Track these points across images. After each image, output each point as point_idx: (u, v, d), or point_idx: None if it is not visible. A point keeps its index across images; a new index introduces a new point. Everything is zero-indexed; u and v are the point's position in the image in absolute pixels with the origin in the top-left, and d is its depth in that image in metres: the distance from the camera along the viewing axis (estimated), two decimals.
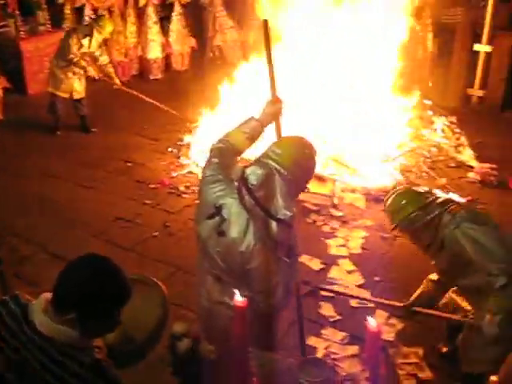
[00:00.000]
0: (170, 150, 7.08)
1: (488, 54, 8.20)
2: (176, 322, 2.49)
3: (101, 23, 7.41)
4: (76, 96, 7.45)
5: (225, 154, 2.82)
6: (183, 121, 7.58)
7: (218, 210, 2.64)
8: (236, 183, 2.66)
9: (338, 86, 6.60)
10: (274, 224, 2.57)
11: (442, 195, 3.59)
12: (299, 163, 2.66)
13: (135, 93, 7.66)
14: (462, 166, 6.61)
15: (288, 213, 2.57)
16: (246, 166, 2.68)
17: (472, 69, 8.39)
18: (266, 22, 2.93)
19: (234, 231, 2.61)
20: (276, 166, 2.59)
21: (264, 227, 2.59)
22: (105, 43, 8.09)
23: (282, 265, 2.69)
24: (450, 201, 3.48)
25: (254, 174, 2.58)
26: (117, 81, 7.68)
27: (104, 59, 7.52)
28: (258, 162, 2.66)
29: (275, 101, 2.95)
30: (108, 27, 7.45)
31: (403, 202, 3.44)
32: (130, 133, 7.62)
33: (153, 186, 6.28)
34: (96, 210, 5.80)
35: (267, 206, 2.57)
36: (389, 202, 3.54)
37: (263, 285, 2.65)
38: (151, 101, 7.61)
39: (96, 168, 6.71)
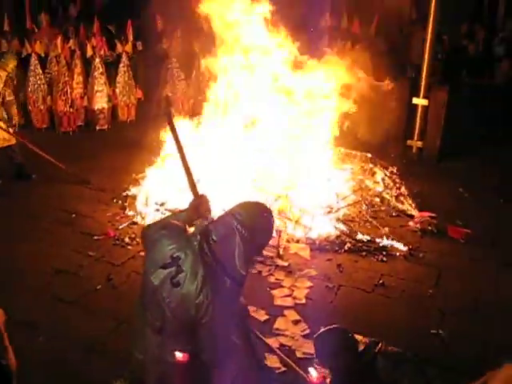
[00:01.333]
0: (114, 200, 7.02)
1: (425, 107, 8.57)
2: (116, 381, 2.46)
3: (3, 59, 7.32)
4: (3, 143, 7.17)
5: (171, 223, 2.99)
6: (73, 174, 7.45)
7: (175, 260, 2.73)
8: (198, 237, 2.78)
9: (280, 139, 6.76)
10: (228, 281, 2.67)
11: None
12: (259, 226, 2.76)
13: (30, 145, 7.35)
14: (403, 215, 6.80)
15: (243, 272, 2.67)
16: (209, 223, 2.82)
17: (411, 121, 8.75)
18: (169, 113, 3.08)
19: (190, 283, 2.69)
20: (237, 225, 2.69)
21: (220, 283, 2.68)
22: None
23: (233, 321, 2.77)
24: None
25: (216, 231, 2.70)
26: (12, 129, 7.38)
27: (10, 99, 7.34)
28: (221, 219, 2.77)
29: (198, 202, 3.12)
30: (11, 63, 7.34)
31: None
32: (74, 182, 7.49)
33: (97, 237, 6.19)
34: (37, 262, 5.66)
35: (225, 262, 2.66)
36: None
37: (211, 340, 2.70)
38: (46, 156, 7.35)
39: (37, 219, 6.57)
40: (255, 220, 2.75)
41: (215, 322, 2.67)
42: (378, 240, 6.15)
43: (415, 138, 8.73)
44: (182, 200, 6.49)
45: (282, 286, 5.40)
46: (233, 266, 2.65)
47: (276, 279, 5.53)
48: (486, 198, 7.27)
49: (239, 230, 2.68)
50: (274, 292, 5.31)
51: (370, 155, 7.90)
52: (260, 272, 5.62)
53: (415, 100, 8.60)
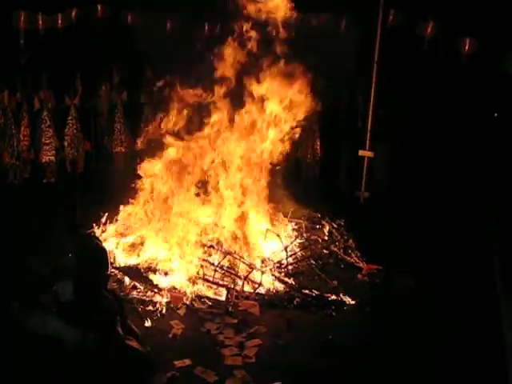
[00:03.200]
0: None
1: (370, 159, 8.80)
2: None
3: None
4: None
5: None
6: None
7: None
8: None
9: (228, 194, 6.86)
10: None
11: None
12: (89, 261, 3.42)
13: None
14: (352, 268, 6.88)
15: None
16: None
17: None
18: None
19: None
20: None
21: None
22: None
23: None
24: None
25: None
26: None
27: None
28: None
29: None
30: None
31: None
32: None
33: None
34: None
35: None
36: None
37: None
38: None
39: None
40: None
41: None
42: (326, 294, 6.19)
43: (362, 188, 8.91)
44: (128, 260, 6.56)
45: (231, 345, 5.35)
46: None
47: (225, 337, 5.48)
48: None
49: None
50: (224, 351, 5.26)
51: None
52: (209, 330, 5.57)
53: (361, 152, 8.82)
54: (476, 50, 9.80)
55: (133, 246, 6.83)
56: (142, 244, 6.79)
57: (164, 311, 5.80)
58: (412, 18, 10.60)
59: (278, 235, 6.92)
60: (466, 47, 9.99)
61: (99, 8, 10.12)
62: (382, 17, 8.74)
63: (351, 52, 10.80)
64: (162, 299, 5.93)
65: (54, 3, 9.70)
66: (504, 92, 9.35)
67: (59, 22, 10.01)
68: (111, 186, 7.89)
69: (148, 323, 5.53)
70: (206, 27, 8.32)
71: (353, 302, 6.11)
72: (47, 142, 9.68)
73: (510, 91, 9.22)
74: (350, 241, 7.37)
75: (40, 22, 9.68)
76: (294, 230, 7.53)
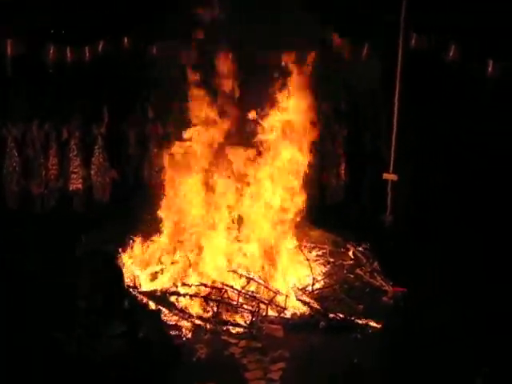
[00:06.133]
0: None
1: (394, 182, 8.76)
2: None
3: None
4: None
5: None
6: None
7: None
8: None
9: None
10: None
11: None
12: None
13: None
14: (378, 291, 6.82)
15: None
16: None
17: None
18: None
19: None
20: None
21: None
22: None
23: None
24: None
25: None
26: None
27: None
28: None
29: None
30: None
31: None
32: None
33: None
34: None
35: None
36: None
37: None
38: None
39: None
40: None
41: None
42: (352, 318, 6.14)
43: (387, 212, 8.86)
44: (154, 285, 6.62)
45: (255, 369, 5.34)
46: None
47: (249, 361, 5.47)
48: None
49: None
50: (247, 375, 5.25)
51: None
52: (233, 354, 5.57)
53: (385, 175, 8.78)
54: (499, 72, 9.80)
55: (159, 271, 6.89)
56: (166, 270, 6.85)
57: (189, 335, 5.83)
58: (434, 41, 10.67)
59: (308, 259, 6.95)
60: (490, 70, 9.99)
61: (126, 40, 10.43)
62: (403, 40, 8.76)
63: (376, 76, 10.91)
64: (186, 323, 5.96)
65: (81, 36, 10.00)
66: None
67: (87, 54, 10.33)
68: (139, 215, 7.95)
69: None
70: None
71: (378, 326, 6.05)
72: (74, 170, 9.87)
73: None
74: (376, 264, 7.31)
75: (68, 55, 9.98)
76: (318, 255, 7.51)
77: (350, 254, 7.57)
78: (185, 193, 7.00)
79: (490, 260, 7.30)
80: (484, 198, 8.74)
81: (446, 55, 10.51)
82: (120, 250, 7.29)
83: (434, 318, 6.20)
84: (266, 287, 6.43)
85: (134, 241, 7.39)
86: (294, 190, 6.96)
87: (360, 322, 6.09)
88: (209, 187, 7.01)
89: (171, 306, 6.17)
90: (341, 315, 6.17)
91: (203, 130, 6.99)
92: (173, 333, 5.80)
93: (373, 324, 6.08)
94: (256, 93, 6.94)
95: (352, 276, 7.10)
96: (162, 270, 6.89)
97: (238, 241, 6.91)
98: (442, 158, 9.73)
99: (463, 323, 6.00)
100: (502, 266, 7.16)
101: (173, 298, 6.27)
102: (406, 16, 8.60)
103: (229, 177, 6.93)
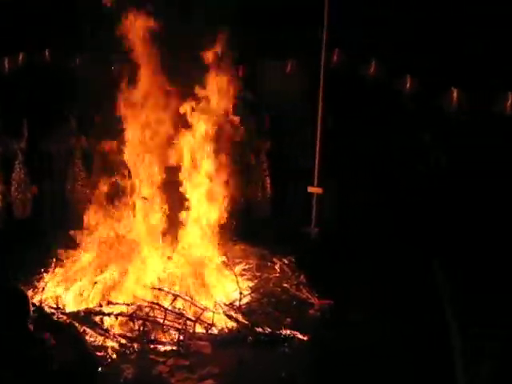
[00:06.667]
0: None
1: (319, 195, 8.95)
2: None
3: None
4: None
5: None
6: None
7: None
8: None
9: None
10: None
11: None
12: None
13: None
14: (304, 304, 6.91)
15: None
16: None
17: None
18: None
19: None
20: None
21: None
22: None
23: None
24: None
25: None
26: None
27: None
28: None
29: None
30: None
31: None
32: None
33: None
34: None
35: None
36: None
37: None
38: None
39: None
40: None
41: None
42: (279, 331, 6.19)
43: (312, 224, 9.02)
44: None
45: None
46: None
47: (177, 380, 5.41)
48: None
49: None
50: None
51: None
52: (161, 373, 5.50)
53: (310, 188, 8.96)
54: (417, 89, 10.19)
55: (83, 290, 6.72)
56: (91, 289, 6.69)
57: (115, 356, 5.71)
58: (355, 59, 11.00)
59: (235, 274, 6.99)
60: (407, 86, 10.38)
61: (47, 53, 10.19)
62: (325, 56, 8.99)
63: (300, 92, 11.09)
64: (111, 343, 5.84)
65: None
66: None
67: (5, 65, 10.03)
68: (61, 232, 7.74)
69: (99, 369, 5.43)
70: None
71: (305, 338, 6.12)
72: None
73: None
74: (302, 277, 7.41)
75: None
76: (245, 269, 7.55)
77: (277, 267, 7.65)
78: (110, 209, 6.91)
79: (413, 272, 7.57)
80: (407, 211, 9.07)
81: (367, 71, 10.86)
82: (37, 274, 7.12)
83: (360, 330, 6.36)
84: (193, 304, 6.39)
85: (57, 259, 7.21)
86: (219, 205, 7.00)
87: (287, 334, 6.15)
88: (134, 203, 6.95)
89: (96, 326, 6.03)
90: (268, 329, 6.21)
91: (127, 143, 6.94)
92: (98, 354, 5.69)
93: (299, 336, 6.15)
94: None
95: (279, 289, 7.16)
96: (86, 289, 6.72)
97: (164, 258, 6.86)
98: (366, 172, 10.00)
99: (390, 335, 6.16)
100: (425, 278, 7.45)
101: (97, 318, 6.13)
102: (328, 32, 8.84)
103: (146, 198, 6.91)
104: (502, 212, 8.63)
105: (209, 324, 6.20)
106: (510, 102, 8.99)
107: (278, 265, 7.66)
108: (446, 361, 5.66)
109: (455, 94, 9.49)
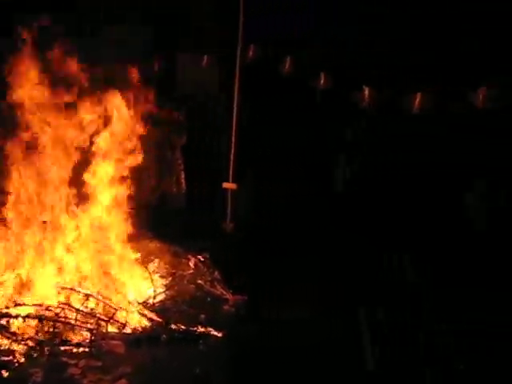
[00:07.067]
0: None
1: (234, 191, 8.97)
2: None
3: None
4: None
5: None
6: None
7: None
8: None
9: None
10: None
11: None
12: None
13: None
14: (219, 300, 6.94)
15: None
16: None
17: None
18: None
19: None
20: None
21: None
22: None
23: None
24: None
25: None
26: None
27: None
28: None
29: None
30: None
31: None
32: None
33: None
34: None
35: None
36: None
37: None
38: None
39: None
40: None
41: None
42: (193, 329, 6.19)
43: (227, 220, 9.03)
44: None
45: None
46: None
47: (89, 381, 5.31)
48: None
49: None
50: None
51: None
52: (72, 375, 5.38)
53: (225, 184, 8.95)
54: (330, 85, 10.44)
55: None
56: None
57: (23, 359, 5.53)
58: (270, 55, 11.12)
59: (148, 272, 6.91)
60: (322, 82, 10.61)
61: None
62: (241, 53, 8.99)
63: (215, 86, 11.09)
64: (19, 347, 5.65)
65: None
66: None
67: None
68: None
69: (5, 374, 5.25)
70: None
71: (219, 334, 6.15)
72: None
73: None
74: (216, 273, 7.42)
75: None
76: (159, 266, 7.47)
77: (191, 264, 7.61)
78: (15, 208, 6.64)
79: (329, 268, 7.73)
80: (323, 206, 9.29)
81: (282, 67, 11.01)
82: None
83: (275, 324, 6.47)
84: (106, 303, 6.28)
85: None
86: (130, 201, 6.89)
87: (202, 332, 6.16)
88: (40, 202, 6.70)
89: (2, 330, 5.81)
90: (182, 326, 6.19)
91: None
92: (4, 358, 5.49)
93: (214, 333, 6.17)
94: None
95: (193, 286, 7.14)
96: None
97: (75, 257, 6.67)
98: (282, 167, 10.14)
99: (308, 333, 6.32)
100: (341, 272, 7.61)
101: (3, 321, 5.91)
102: (243, 28, 8.85)
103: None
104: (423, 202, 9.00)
105: (122, 323, 6.12)
106: (418, 100, 9.37)
107: (192, 261, 7.62)
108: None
109: (367, 92, 9.78)
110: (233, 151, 8.97)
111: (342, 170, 10.07)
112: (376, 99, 10.06)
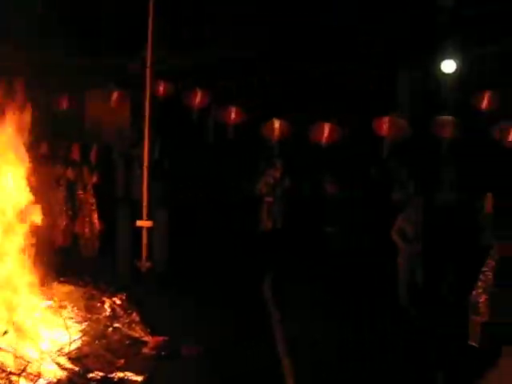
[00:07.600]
0: None
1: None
2: None
3: None
4: None
5: None
6: None
7: None
8: None
9: None
10: None
11: None
12: None
13: None
14: (138, 343, 6.72)
15: None
16: None
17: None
18: None
19: None
20: None
21: None
22: None
23: None
24: None
25: None
26: None
27: None
28: None
29: None
30: None
31: None
32: None
33: None
34: None
35: None
36: None
37: None
38: None
39: None
40: None
41: None
42: (111, 375, 5.95)
43: (143, 259, 8.83)
44: None
45: None
46: None
47: None
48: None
49: None
50: None
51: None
52: None
53: (139, 222, 8.77)
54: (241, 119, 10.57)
55: None
56: None
57: None
58: (181, 89, 11.14)
59: (62, 318, 6.61)
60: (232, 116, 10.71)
61: None
62: (150, 88, 8.93)
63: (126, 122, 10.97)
64: None
65: None
66: None
67: None
68: None
69: None
70: None
71: (140, 379, 5.95)
72: None
73: None
74: (134, 314, 7.20)
75: None
76: (73, 312, 7.16)
77: (107, 306, 7.36)
78: None
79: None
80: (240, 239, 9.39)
81: (192, 101, 11.03)
82: None
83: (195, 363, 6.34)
84: (16, 356, 5.92)
85: None
86: (41, 245, 6.62)
87: (120, 377, 5.93)
88: None
89: None
90: (100, 373, 5.94)
91: None
92: None
93: (134, 378, 5.96)
94: None
95: (110, 330, 6.89)
96: None
97: None
98: (196, 200, 10.13)
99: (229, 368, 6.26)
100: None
101: None
102: (151, 65, 8.82)
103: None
104: None
105: (35, 375, 5.79)
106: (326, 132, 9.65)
107: (108, 304, 7.37)
108: None
109: (277, 125, 9.96)
110: (145, 188, 8.80)
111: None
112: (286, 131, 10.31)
